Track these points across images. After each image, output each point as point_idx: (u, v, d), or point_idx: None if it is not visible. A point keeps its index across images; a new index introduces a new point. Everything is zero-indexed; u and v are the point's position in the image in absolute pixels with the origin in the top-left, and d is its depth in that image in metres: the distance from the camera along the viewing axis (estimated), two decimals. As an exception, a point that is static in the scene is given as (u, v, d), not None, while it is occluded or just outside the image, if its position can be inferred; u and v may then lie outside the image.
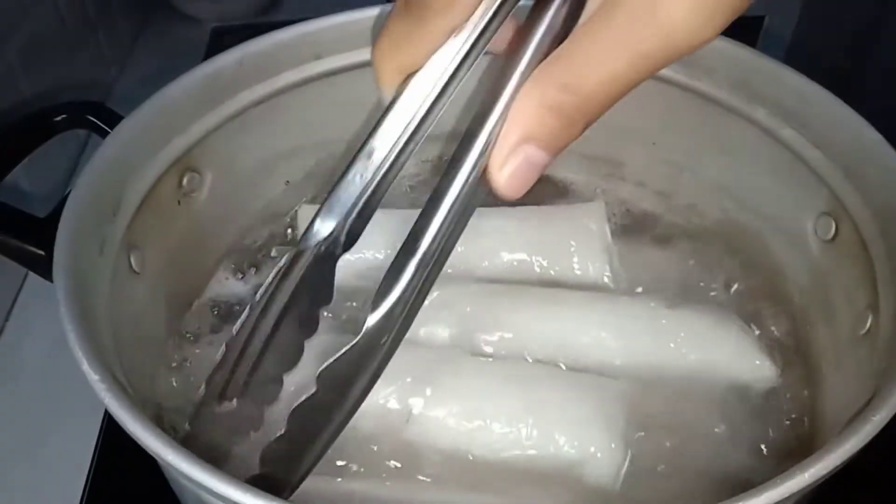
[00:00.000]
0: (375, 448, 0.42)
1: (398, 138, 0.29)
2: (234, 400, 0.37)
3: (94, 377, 0.32)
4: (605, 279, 0.50)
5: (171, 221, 0.46)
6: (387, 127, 0.30)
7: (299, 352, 0.36)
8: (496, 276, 0.50)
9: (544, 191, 0.56)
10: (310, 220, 0.32)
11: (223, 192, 0.50)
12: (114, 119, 0.46)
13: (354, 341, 0.31)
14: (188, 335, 0.48)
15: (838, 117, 0.42)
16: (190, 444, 0.37)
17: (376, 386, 0.42)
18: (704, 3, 0.25)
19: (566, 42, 0.27)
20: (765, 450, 0.42)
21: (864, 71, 0.66)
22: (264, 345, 0.36)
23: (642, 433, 0.42)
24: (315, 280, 0.35)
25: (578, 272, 0.50)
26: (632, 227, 0.54)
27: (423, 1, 0.28)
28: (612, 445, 0.40)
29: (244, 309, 0.49)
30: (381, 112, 0.30)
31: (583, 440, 0.40)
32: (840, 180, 0.42)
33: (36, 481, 0.52)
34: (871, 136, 0.41)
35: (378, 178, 0.32)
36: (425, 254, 0.29)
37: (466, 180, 0.29)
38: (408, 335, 0.46)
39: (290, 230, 0.55)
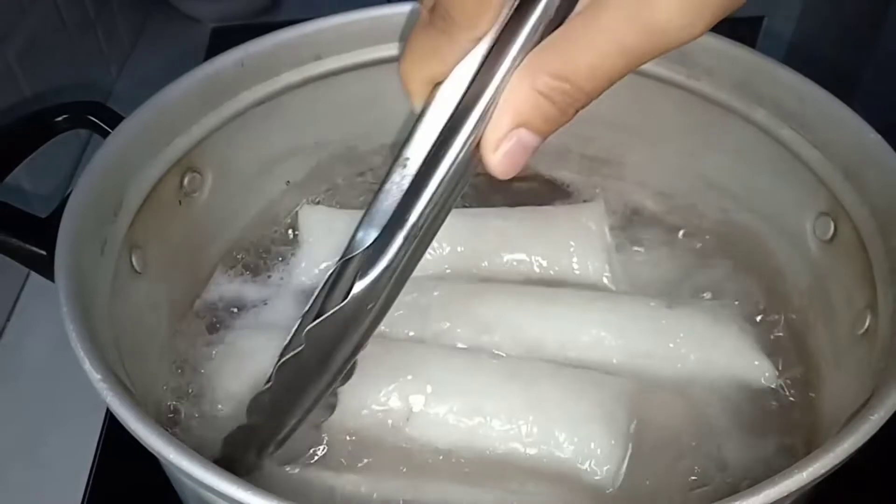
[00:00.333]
0: (377, 445, 0.42)
1: (431, 146, 0.30)
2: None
3: (95, 376, 0.32)
4: (605, 279, 0.50)
5: (172, 221, 0.46)
6: (419, 136, 0.31)
7: (351, 363, 0.36)
8: (496, 275, 0.50)
9: (544, 191, 0.57)
10: (352, 232, 0.32)
11: (224, 193, 0.50)
12: (115, 119, 0.46)
13: (341, 304, 0.31)
14: (189, 334, 0.49)
15: (837, 118, 0.43)
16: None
17: (377, 383, 0.42)
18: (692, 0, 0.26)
19: (560, 30, 0.28)
20: (763, 449, 0.42)
21: (864, 71, 0.66)
22: None
23: (642, 431, 0.42)
24: None
25: (578, 272, 0.50)
26: (632, 227, 0.54)
27: (448, 16, 0.29)
28: (612, 442, 0.41)
29: (242, 309, 0.50)
30: (413, 122, 0.31)
31: (583, 437, 0.41)
32: (839, 180, 0.42)
33: (38, 480, 0.52)
34: (870, 136, 0.41)
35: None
36: (413, 226, 0.30)
37: (456, 158, 0.29)
38: (407, 334, 0.46)
39: (290, 230, 0.55)
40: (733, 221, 0.52)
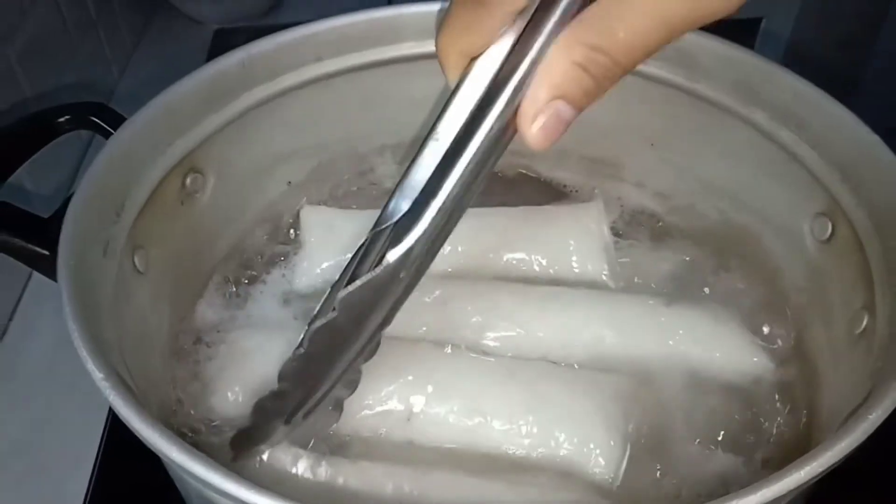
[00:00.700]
0: (377, 445, 0.42)
1: (466, 118, 0.31)
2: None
3: (98, 375, 0.32)
4: (604, 278, 0.50)
5: (174, 222, 0.46)
6: (453, 110, 0.31)
7: (378, 337, 0.37)
8: (496, 274, 0.50)
9: (544, 191, 0.57)
10: (385, 202, 0.33)
11: (226, 193, 0.50)
12: (117, 120, 0.46)
13: (375, 272, 0.32)
14: (191, 334, 0.49)
15: (835, 119, 0.43)
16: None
17: (378, 384, 0.42)
18: None
19: (596, 3, 0.28)
20: (762, 447, 0.43)
21: (862, 73, 0.67)
22: None
23: (641, 430, 0.42)
24: None
25: (577, 271, 0.50)
26: (631, 227, 0.55)
27: None
28: (612, 442, 0.41)
29: (243, 309, 0.50)
30: (448, 96, 0.31)
31: (582, 437, 0.41)
32: (837, 181, 0.43)
33: (40, 479, 0.52)
34: (867, 137, 0.41)
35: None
36: (447, 197, 0.31)
37: (491, 129, 0.30)
38: (408, 334, 0.46)
39: (291, 230, 0.55)
40: (731, 222, 0.52)
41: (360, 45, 0.50)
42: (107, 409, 0.54)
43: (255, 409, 0.38)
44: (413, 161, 0.32)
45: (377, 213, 0.33)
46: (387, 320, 0.35)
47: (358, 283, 0.32)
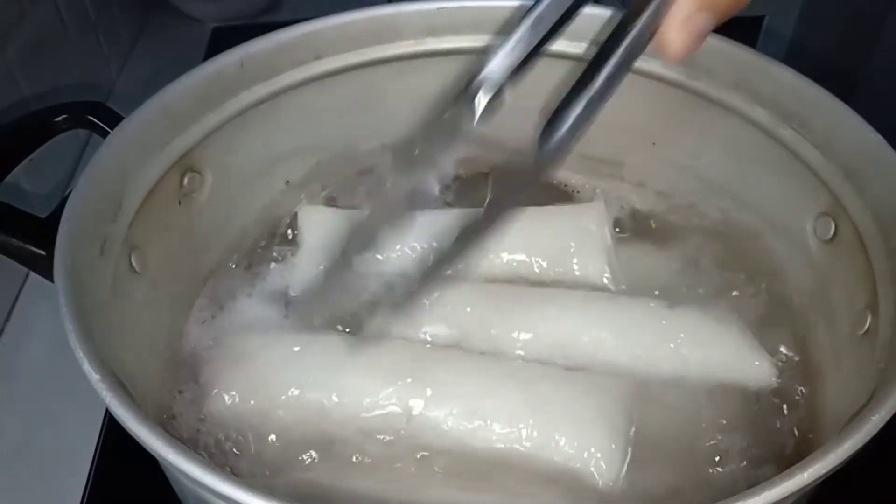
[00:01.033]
0: (377, 448, 0.42)
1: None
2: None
3: (94, 377, 0.32)
4: (605, 280, 0.50)
5: (171, 222, 0.46)
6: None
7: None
8: (497, 276, 0.50)
9: (544, 191, 0.56)
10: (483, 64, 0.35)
11: (224, 193, 0.50)
12: (114, 119, 0.46)
13: (531, 161, 0.35)
14: (188, 334, 0.49)
15: (838, 118, 0.43)
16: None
17: (377, 386, 0.42)
18: None
19: None
20: (764, 449, 0.42)
21: (864, 71, 0.66)
22: None
23: (642, 433, 0.42)
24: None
25: (578, 273, 0.50)
26: (632, 228, 0.54)
27: None
28: (613, 445, 0.41)
29: (241, 310, 0.50)
30: None
31: (583, 440, 0.41)
32: (839, 181, 0.42)
33: (37, 480, 0.52)
34: (870, 136, 0.41)
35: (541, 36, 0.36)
36: (596, 92, 0.33)
37: (635, 37, 0.33)
38: (408, 336, 0.46)
39: (290, 230, 0.55)
40: (733, 221, 0.52)
41: (359, 44, 0.50)
42: (103, 410, 0.54)
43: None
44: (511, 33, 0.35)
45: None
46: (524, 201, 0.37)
47: (515, 168, 0.35)
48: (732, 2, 0.32)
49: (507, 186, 0.38)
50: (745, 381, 0.45)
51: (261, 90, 0.49)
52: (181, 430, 0.43)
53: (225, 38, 0.86)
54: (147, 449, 0.31)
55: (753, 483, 0.29)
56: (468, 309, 0.47)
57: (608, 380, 0.44)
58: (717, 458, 0.42)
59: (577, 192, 0.57)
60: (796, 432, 0.43)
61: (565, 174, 0.57)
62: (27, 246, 0.42)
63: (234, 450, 0.43)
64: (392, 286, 0.37)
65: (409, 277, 0.37)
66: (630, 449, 0.41)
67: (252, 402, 0.43)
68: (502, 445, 0.41)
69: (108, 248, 0.40)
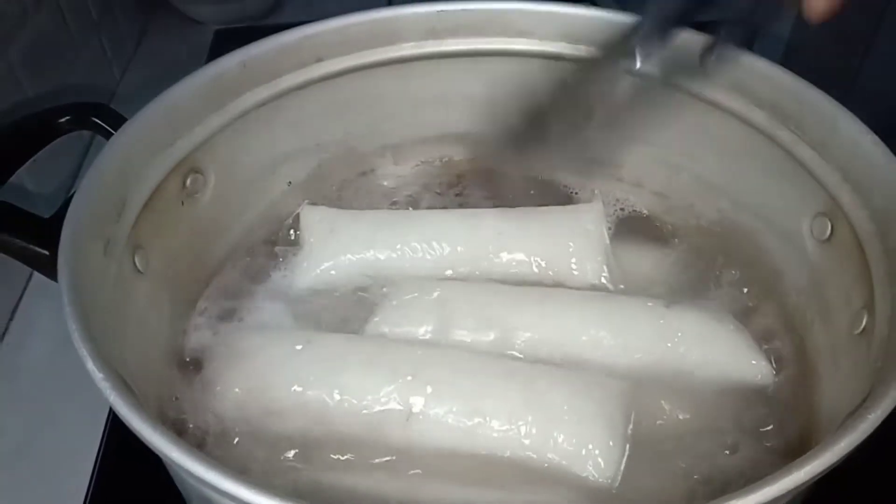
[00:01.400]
0: (377, 446, 0.42)
1: None
2: None
3: (98, 376, 0.32)
4: (603, 279, 0.50)
5: (174, 222, 0.46)
6: None
7: None
8: (495, 276, 0.50)
9: (543, 191, 0.57)
10: None
11: (226, 193, 0.50)
12: (118, 121, 0.46)
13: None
14: (191, 334, 0.49)
15: (835, 119, 0.43)
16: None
17: (377, 384, 0.42)
18: None
19: None
20: (761, 447, 0.43)
21: (861, 73, 0.67)
22: None
23: (640, 431, 0.42)
24: None
25: (576, 272, 0.50)
26: (629, 228, 0.55)
27: None
28: (611, 443, 0.41)
29: (243, 309, 0.50)
30: None
31: (581, 438, 0.41)
32: (836, 181, 0.43)
33: (40, 479, 0.52)
34: (867, 137, 0.41)
35: None
36: None
37: None
38: (408, 335, 0.47)
39: (292, 230, 0.55)
40: (730, 222, 0.52)
41: (360, 46, 0.51)
42: (107, 408, 0.54)
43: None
44: None
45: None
46: None
47: None
48: None
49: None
50: (742, 379, 0.45)
51: (263, 92, 0.49)
52: (184, 429, 0.44)
53: (227, 40, 0.86)
54: (150, 447, 0.31)
55: (750, 480, 0.30)
56: (468, 308, 0.47)
57: (606, 378, 0.44)
58: (713, 456, 0.42)
59: (576, 192, 0.57)
60: (793, 430, 0.43)
61: (564, 175, 0.57)
62: (31, 246, 0.42)
63: (237, 448, 0.43)
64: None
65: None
66: (628, 446, 0.41)
67: (254, 400, 0.44)
68: (502, 443, 0.41)
69: (112, 248, 0.40)
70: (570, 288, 0.49)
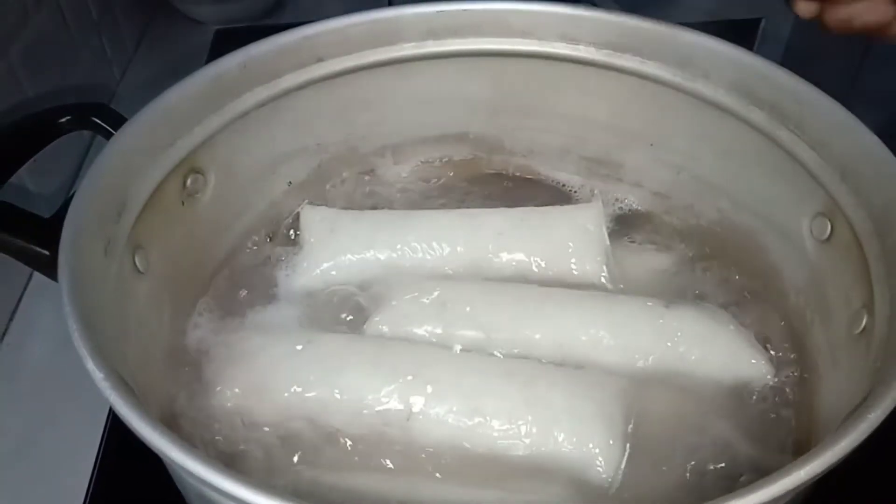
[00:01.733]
0: (378, 445, 0.42)
1: None
2: None
3: (98, 375, 0.32)
4: (603, 279, 0.50)
5: (175, 222, 0.46)
6: None
7: None
8: (495, 275, 0.50)
9: (543, 191, 0.57)
10: None
11: (226, 193, 0.50)
12: (118, 121, 0.46)
13: None
14: (191, 334, 0.49)
15: (835, 119, 0.43)
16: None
17: (378, 384, 0.43)
18: None
19: None
20: (761, 447, 0.43)
21: (861, 74, 0.67)
22: None
23: (640, 430, 0.42)
24: None
25: (576, 272, 0.50)
26: (629, 228, 0.55)
27: None
28: (611, 442, 0.41)
29: (244, 310, 0.50)
30: None
31: (581, 437, 0.41)
32: (836, 181, 0.43)
33: (41, 479, 0.53)
34: (866, 137, 0.41)
35: None
36: None
37: None
38: (408, 334, 0.47)
39: (292, 231, 0.55)
40: (730, 222, 0.52)
41: (360, 46, 0.51)
42: (107, 408, 0.54)
43: None
44: None
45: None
46: None
47: None
48: None
49: None
50: (742, 378, 0.45)
51: (263, 92, 0.49)
52: (184, 429, 0.44)
53: (227, 40, 0.86)
54: (150, 447, 0.31)
55: (750, 480, 0.30)
56: (467, 308, 0.47)
57: (606, 378, 0.44)
58: (714, 455, 0.42)
59: (575, 192, 0.57)
60: (793, 430, 0.43)
61: (564, 175, 0.58)
62: (31, 246, 0.42)
63: (237, 447, 0.43)
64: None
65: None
66: (628, 445, 0.41)
67: (254, 400, 0.44)
68: (502, 442, 0.41)
69: (112, 248, 0.40)
70: (570, 288, 0.49)
